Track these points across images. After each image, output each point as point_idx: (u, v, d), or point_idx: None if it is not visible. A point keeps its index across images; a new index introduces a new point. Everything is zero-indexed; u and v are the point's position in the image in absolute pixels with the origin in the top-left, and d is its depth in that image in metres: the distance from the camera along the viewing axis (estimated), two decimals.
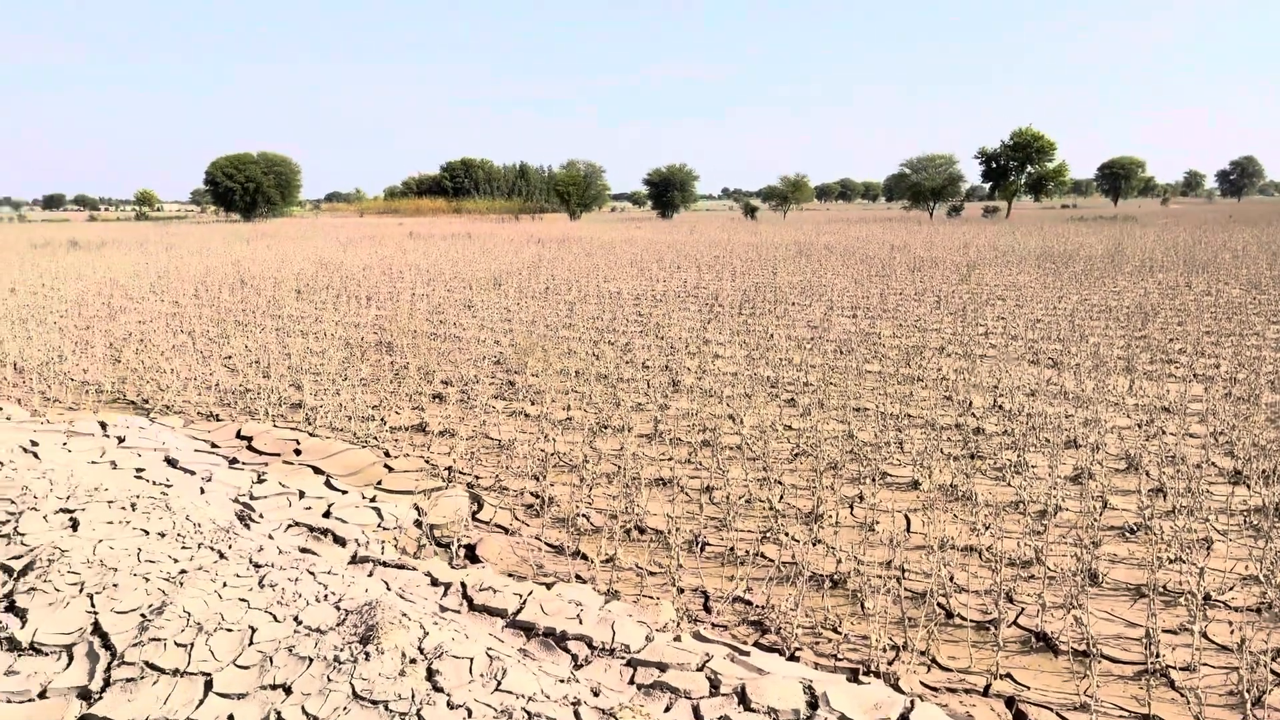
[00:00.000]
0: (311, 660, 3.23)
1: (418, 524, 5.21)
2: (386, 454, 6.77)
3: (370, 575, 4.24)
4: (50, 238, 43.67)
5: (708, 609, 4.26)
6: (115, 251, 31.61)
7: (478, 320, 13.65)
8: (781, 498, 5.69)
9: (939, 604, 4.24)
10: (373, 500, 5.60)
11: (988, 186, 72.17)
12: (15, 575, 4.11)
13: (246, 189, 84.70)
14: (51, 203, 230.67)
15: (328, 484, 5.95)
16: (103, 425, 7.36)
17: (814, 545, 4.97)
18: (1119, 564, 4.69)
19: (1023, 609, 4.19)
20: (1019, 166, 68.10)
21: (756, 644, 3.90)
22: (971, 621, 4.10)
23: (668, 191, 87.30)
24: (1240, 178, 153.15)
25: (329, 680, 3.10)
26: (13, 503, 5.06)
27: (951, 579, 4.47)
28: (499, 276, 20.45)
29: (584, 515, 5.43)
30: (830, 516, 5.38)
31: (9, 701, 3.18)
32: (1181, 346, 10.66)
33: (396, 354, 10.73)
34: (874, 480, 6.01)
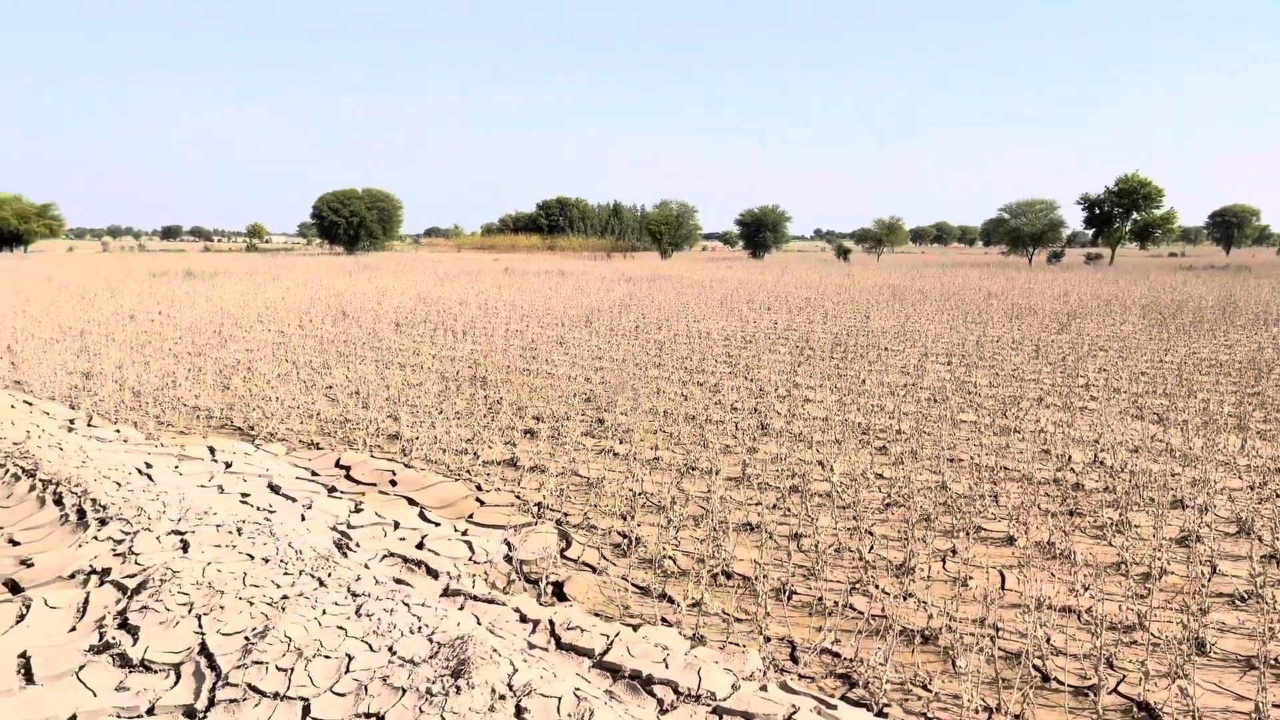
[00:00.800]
0: (404, 691, 3.31)
1: (508, 559, 5.30)
2: (479, 488, 6.90)
3: (461, 609, 4.32)
4: (167, 267, 45.95)
5: (794, 659, 4.22)
6: (227, 281, 33.06)
7: (569, 357, 13.84)
8: (872, 548, 5.61)
9: (1035, 666, 4.12)
10: (464, 533, 5.71)
11: (1090, 233, 70.18)
12: (129, 594, 4.32)
13: (350, 223, 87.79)
14: (169, 233, 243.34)
15: (422, 515, 6.10)
16: (211, 450, 7.69)
17: (905, 599, 4.88)
18: (1228, 633, 4.49)
19: (1124, 676, 4.04)
20: (1124, 213, 66.07)
21: (844, 698, 3.84)
22: (1069, 687, 3.96)
23: (760, 232, 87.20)
24: None
25: (421, 712, 3.17)
26: (128, 523, 5.32)
27: (1048, 640, 4.34)
28: (590, 314, 20.71)
29: (670, 557, 5.44)
30: (922, 570, 5.28)
31: (119, 717, 3.33)
32: None
33: (490, 388, 10.95)
34: (968, 534, 5.88)
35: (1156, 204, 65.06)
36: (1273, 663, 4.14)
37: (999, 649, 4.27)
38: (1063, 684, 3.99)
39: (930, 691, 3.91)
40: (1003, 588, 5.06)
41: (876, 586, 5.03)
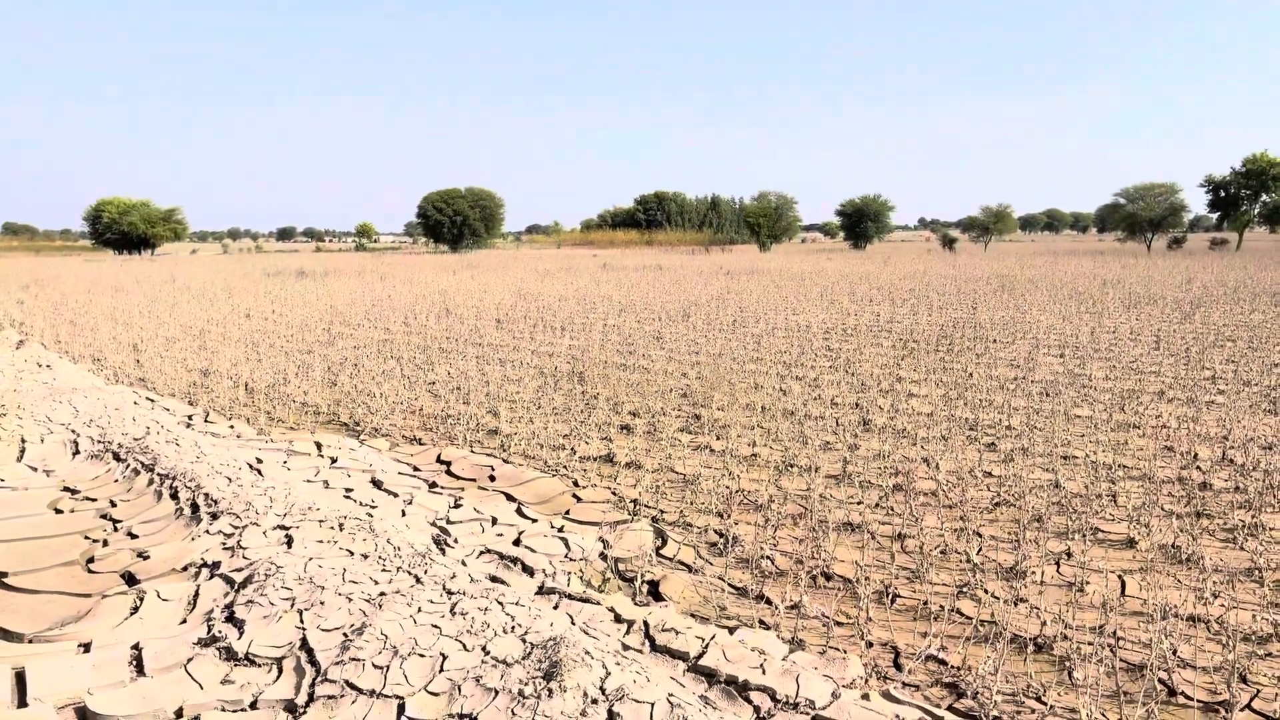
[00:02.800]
0: (497, 692, 3.29)
1: (603, 556, 5.26)
2: (575, 484, 6.89)
3: (556, 608, 4.29)
4: (281, 267, 47.76)
5: (898, 666, 4.05)
6: (336, 280, 34.15)
7: (666, 352, 13.78)
8: (980, 550, 5.38)
9: (1160, 679, 3.86)
10: (560, 530, 5.70)
11: (1215, 217, 66.68)
12: (236, 587, 4.43)
13: (454, 222, 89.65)
14: (284, 234, 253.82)
15: (519, 511, 6.11)
16: (318, 445, 7.88)
17: (1016, 604, 4.65)
18: None
19: (1258, 691, 3.75)
20: (1252, 195, 62.53)
21: (951, 708, 3.67)
22: (1198, 702, 3.70)
23: (861, 222, 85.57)
24: None
25: (513, 714, 3.14)
26: (238, 518, 5.48)
27: (1174, 652, 4.06)
28: (687, 308, 20.62)
29: (768, 557, 5.31)
30: (1034, 574, 5.03)
31: (224, 709, 3.41)
32: None
33: (588, 384, 10.97)
34: (1084, 536, 5.58)
35: None
36: None
37: (1120, 660, 4.02)
38: (1191, 699, 3.72)
39: (1045, 704, 3.70)
40: (1123, 594, 4.78)
41: (985, 590, 4.81)
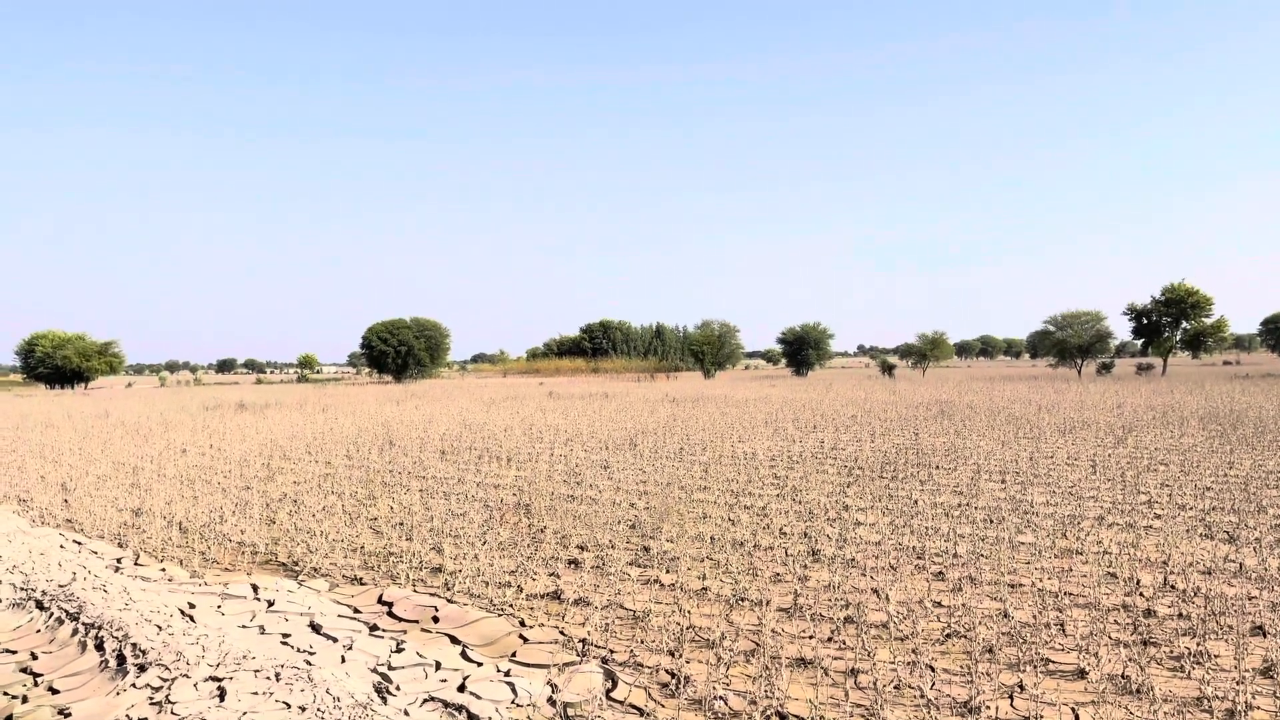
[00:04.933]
0: None
1: (551, 701, 5.10)
2: (522, 623, 6.73)
3: None
4: (221, 399, 46.97)
5: None
6: (277, 413, 33.61)
7: (613, 482, 13.71)
8: (933, 685, 5.33)
9: None
10: (507, 674, 5.53)
11: (1139, 343, 69.24)
12: None
13: (399, 352, 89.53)
14: (224, 366, 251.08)
15: (464, 655, 5.93)
16: (254, 588, 7.62)
17: None
18: None
19: None
20: (1173, 322, 65.24)
21: None
22: None
23: (802, 349, 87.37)
24: None
25: None
26: (167, 669, 5.23)
27: None
28: (634, 436, 20.63)
29: (721, 698, 5.20)
30: (988, 709, 4.98)
31: None
32: None
33: (534, 516, 10.83)
34: (1035, 667, 5.57)
35: (1206, 312, 64.21)
36: None
37: None
38: None
39: None
40: None
41: None
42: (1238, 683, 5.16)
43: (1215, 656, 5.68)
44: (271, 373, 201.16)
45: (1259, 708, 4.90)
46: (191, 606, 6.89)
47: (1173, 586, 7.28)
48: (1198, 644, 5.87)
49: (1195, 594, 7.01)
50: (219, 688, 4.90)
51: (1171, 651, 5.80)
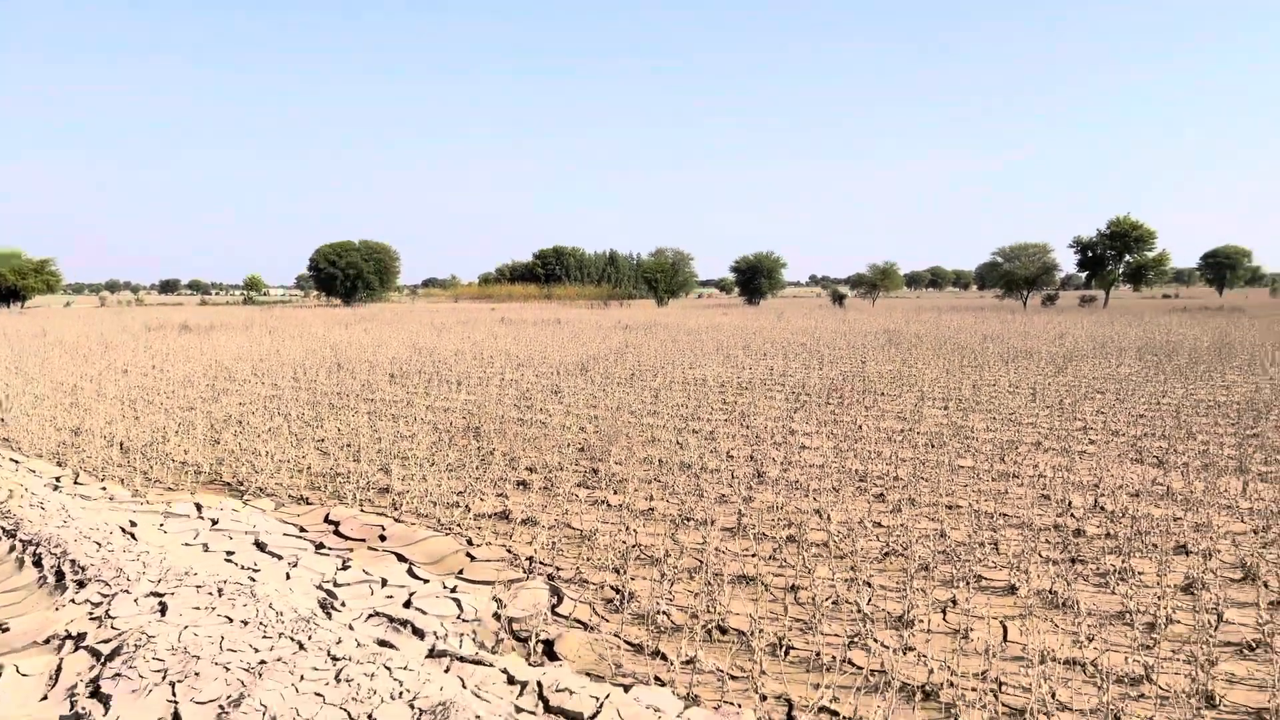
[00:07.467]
0: None
1: (496, 616, 5.16)
2: (469, 542, 6.77)
3: (447, 671, 4.18)
4: (164, 320, 45.98)
5: (791, 718, 4.08)
6: (222, 335, 33.03)
7: (564, 406, 13.74)
8: (870, 600, 5.48)
9: None
10: (453, 590, 5.58)
11: (1084, 276, 70.56)
12: (103, 660, 4.18)
13: (347, 275, 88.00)
14: (167, 287, 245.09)
15: (410, 572, 5.96)
16: (198, 507, 7.56)
17: (904, 653, 4.74)
18: (1237, 684, 4.36)
19: None
20: (1116, 256, 66.47)
21: None
22: None
23: (755, 278, 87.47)
24: None
25: None
26: (107, 584, 5.20)
27: (1053, 695, 4.21)
28: (586, 362, 20.65)
29: (664, 613, 5.30)
30: (922, 622, 5.15)
31: None
32: None
33: (484, 439, 10.83)
34: (968, 584, 5.75)
35: (1149, 246, 65.53)
36: None
37: (1003, 705, 4.14)
38: None
39: None
40: (1005, 640, 4.93)
41: (875, 640, 4.90)
42: (1159, 598, 5.38)
43: (1139, 574, 5.91)
44: (216, 294, 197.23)
45: (1179, 621, 5.12)
46: (133, 525, 6.82)
47: (1102, 508, 7.53)
48: (1123, 561, 6.09)
49: (1123, 515, 7.26)
50: (160, 603, 4.88)
51: (1098, 569, 6.02)
